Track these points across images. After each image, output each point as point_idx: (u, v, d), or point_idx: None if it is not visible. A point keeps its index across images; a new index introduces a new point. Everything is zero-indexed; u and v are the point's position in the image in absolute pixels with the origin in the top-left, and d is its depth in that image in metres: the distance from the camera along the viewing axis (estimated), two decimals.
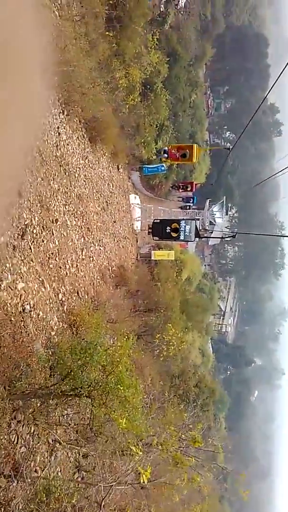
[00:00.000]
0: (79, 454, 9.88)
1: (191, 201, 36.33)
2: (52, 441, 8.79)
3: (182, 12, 40.88)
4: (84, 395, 7.33)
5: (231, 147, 17.04)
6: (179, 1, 39.31)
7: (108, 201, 19.35)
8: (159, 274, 23.14)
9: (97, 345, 7.49)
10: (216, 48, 53.97)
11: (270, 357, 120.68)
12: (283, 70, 9.72)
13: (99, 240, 16.19)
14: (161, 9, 34.34)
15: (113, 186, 21.77)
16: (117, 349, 7.78)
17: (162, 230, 21.75)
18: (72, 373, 7.36)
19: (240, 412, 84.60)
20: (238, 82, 64.23)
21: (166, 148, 22.27)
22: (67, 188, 12.32)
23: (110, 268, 17.50)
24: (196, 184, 27.74)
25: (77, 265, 12.49)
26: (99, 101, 15.88)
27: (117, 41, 21.63)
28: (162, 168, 25.42)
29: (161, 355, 16.31)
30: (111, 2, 19.91)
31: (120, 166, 24.61)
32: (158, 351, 16.54)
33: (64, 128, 13.57)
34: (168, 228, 21.49)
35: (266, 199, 75.65)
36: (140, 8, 24.41)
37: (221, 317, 74.25)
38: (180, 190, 31.84)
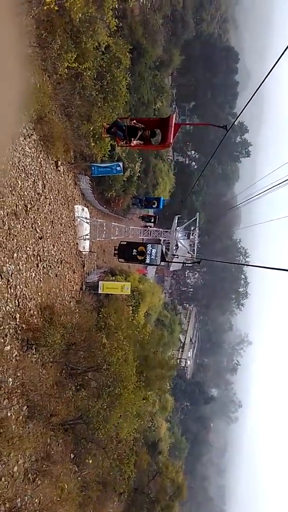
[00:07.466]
0: None
1: (154, 206, 29.96)
2: None
3: (149, 3, 35.54)
4: None
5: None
6: None
7: (28, 205, 12.31)
8: (108, 316, 16.17)
9: None
10: (184, 58, 49.21)
11: (227, 389, 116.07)
12: (254, 93, 8.57)
13: None
14: None
15: (44, 187, 14.82)
16: None
17: (129, 252, 21.05)
18: None
19: (197, 454, 78.16)
20: (205, 98, 59.74)
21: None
22: None
23: (18, 315, 10.31)
24: (176, 125, 11.19)
25: None
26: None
27: None
28: (118, 168, 18.83)
29: None
30: None
31: (59, 162, 17.79)
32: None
33: None
34: (134, 250, 20.85)
35: (230, 224, 71.17)
36: None
37: (180, 350, 67.73)
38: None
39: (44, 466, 10.10)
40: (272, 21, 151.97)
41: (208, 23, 54.33)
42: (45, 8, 11.04)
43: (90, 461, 9.12)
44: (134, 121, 11.43)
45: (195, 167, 63.47)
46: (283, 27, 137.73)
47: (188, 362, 73.33)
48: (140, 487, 16.37)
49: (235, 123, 60.46)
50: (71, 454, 11.94)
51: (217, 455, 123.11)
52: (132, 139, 11.32)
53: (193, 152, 64.87)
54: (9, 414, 8.20)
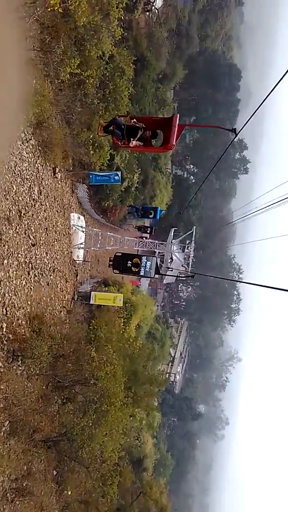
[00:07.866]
0: None
1: (151, 216, 29.89)
2: None
3: (155, 17, 35.75)
4: None
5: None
6: (154, 3, 34.12)
7: (23, 211, 11.98)
8: (98, 328, 15.72)
9: None
10: (187, 72, 49.58)
11: (215, 406, 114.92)
12: (255, 111, 8.51)
13: None
14: None
15: (40, 193, 14.50)
16: None
17: (123, 263, 20.70)
18: None
19: (182, 471, 76.95)
20: (206, 113, 60.10)
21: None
22: None
23: (5, 325, 9.91)
24: (180, 126, 10.06)
25: None
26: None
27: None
28: (116, 177, 18.56)
29: None
30: None
31: (57, 169, 17.52)
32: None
33: None
34: (129, 262, 20.47)
35: (226, 239, 71.12)
36: None
37: (170, 364, 66.96)
38: None
39: (24, 485, 9.60)
40: (276, 42, 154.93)
41: (213, 40, 54.90)
42: (49, 10, 10.83)
43: (70, 492, 8.60)
44: (134, 119, 10.15)
45: (193, 181, 63.61)
46: (287, 48, 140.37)
47: (177, 376, 72.45)
48: (123, 507, 15.79)
49: (236, 139, 60.84)
50: (54, 471, 11.44)
51: (202, 472, 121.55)
52: (131, 139, 10.05)
53: (191, 166, 65.04)
54: None
